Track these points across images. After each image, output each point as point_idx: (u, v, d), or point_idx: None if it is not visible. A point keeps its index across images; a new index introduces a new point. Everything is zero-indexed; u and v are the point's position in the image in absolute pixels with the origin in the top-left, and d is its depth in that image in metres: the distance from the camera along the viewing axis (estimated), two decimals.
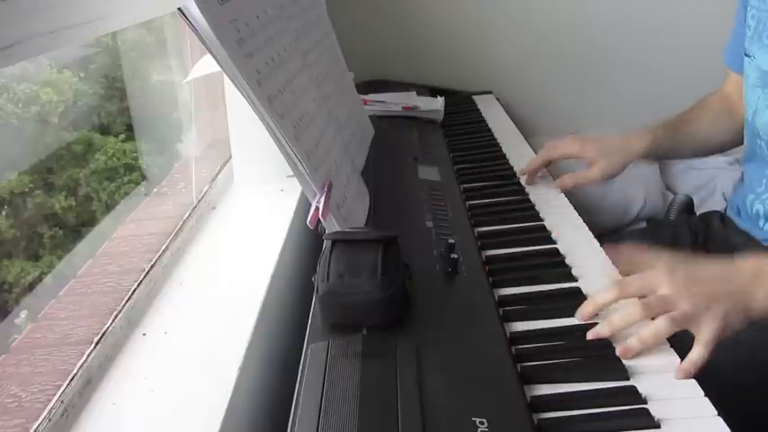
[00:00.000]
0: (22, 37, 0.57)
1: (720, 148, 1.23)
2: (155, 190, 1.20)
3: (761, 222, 1.04)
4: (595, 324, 0.73)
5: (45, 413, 0.62)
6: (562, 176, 1.11)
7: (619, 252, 0.84)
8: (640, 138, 1.12)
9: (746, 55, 1.06)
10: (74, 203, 1.34)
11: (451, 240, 0.81)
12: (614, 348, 0.69)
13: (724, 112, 1.18)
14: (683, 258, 0.78)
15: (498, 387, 0.62)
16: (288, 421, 0.56)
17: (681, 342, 0.71)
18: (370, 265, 0.65)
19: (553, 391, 0.64)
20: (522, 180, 1.15)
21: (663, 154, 1.17)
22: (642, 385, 0.64)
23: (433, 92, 1.61)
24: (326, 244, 0.68)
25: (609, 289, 0.75)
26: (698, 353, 0.68)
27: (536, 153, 1.28)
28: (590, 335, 0.72)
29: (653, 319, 0.71)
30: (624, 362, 0.67)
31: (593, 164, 1.11)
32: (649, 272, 0.75)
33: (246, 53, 0.71)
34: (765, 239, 1.03)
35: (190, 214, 1.03)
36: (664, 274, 0.74)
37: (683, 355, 0.68)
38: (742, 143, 1.18)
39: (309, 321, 0.69)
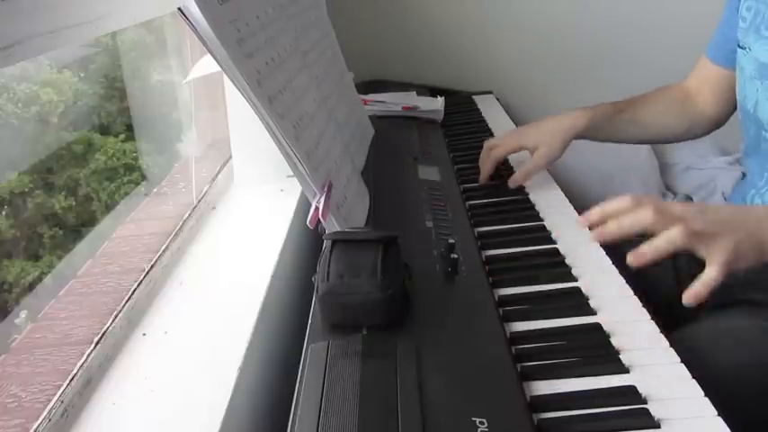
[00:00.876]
0: (22, 37, 0.57)
1: (671, 138, 1.22)
2: (155, 190, 1.20)
3: None
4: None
5: (45, 413, 0.63)
6: (512, 176, 1.11)
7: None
8: (577, 116, 1.11)
9: (740, 47, 1.05)
10: (74, 203, 1.34)
11: (451, 240, 0.81)
12: (614, 348, 0.70)
13: (679, 102, 1.18)
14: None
15: (498, 387, 0.62)
16: (288, 421, 0.56)
17: (684, 341, 0.71)
18: (370, 265, 0.65)
19: (553, 391, 0.64)
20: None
21: (603, 135, 1.16)
22: (642, 385, 0.64)
23: (433, 92, 1.61)
24: (326, 244, 0.68)
25: (620, 198, 0.72)
26: (710, 274, 0.67)
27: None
28: (594, 234, 0.70)
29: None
30: (624, 362, 0.67)
31: (535, 151, 1.11)
32: (660, 202, 0.73)
33: (246, 53, 0.71)
34: None
35: (190, 214, 1.03)
36: (677, 203, 0.72)
37: (698, 379, 0.66)
38: (689, 138, 1.19)
39: (309, 321, 0.69)
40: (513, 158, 1.25)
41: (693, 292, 0.67)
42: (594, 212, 0.73)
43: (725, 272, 0.68)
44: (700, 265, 1.00)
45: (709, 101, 1.16)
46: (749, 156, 1.10)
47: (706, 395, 0.63)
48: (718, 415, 0.60)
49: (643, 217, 0.69)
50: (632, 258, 0.68)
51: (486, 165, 1.14)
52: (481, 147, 1.35)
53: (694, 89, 1.19)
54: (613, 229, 0.71)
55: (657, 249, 0.68)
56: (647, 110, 1.17)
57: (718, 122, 1.17)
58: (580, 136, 1.11)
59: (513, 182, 1.11)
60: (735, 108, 1.11)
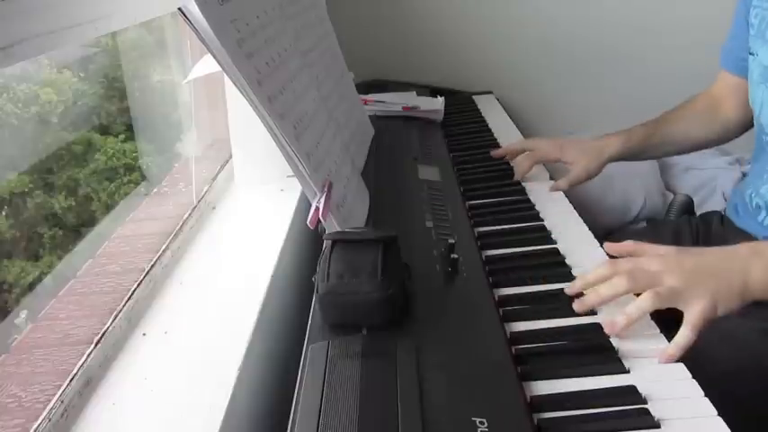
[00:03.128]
0: (22, 37, 0.57)
1: (702, 146, 1.26)
2: (155, 190, 1.20)
3: (761, 216, 1.04)
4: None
5: (45, 413, 0.62)
6: (557, 182, 1.15)
7: (620, 247, 0.84)
8: (615, 139, 1.17)
9: (750, 53, 1.07)
10: (74, 203, 1.34)
11: (451, 240, 0.81)
12: (614, 348, 0.70)
13: (707, 111, 1.21)
14: (681, 249, 0.79)
15: (498, 387, 0.62)
16: (288, 421, 0.56)
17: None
18: (370, 265, 0.65)
19: (553, 391, 0.64)
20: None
21: (639, 154, 1.21)
22: (642, 385, 0.64)
23: (433, 92, 1.61)
24: (326, 244, 0.68)
25: (599, 267, 0.76)
26: (683, 335, 0.68)
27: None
28: (576, 304, 0.74)
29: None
30: (624, 361, 0.67)
31: (573, 165, 1.16)
32: (640, 255, 0.77)
33: (246, 53, 0.71)
34: (765, 236, 1.03)
35: (190, 214, 1.03)
36: (656, 256, 0.75)
37: (698, 379, 0.66)
38: (724, 142, 1.23)
39: (309, 321, 0.69)
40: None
41: (666, 356, 0.68)
42: (577, 284, 0.77)
43: (700, 329, 0.69)
44: None
45: (733, 106, 1.18)
46: (755, 160, 1.10)
47: (706, 395, 0.63)
48: (718, 415, 0.60)
49: (618, 285, 0.72)
50: (607, 328, 0.71)
51: (525, 164, 1.18)
52: (481, 147, 1.36)
53: (718, 96, 1.21)
54: (593, 299, 0.74)
55: (630, 317, 0.70)
56: (678, 126, 1.21)
57: (746, 125, 1.19)
58: (615, 159, 1.17)
59: (554, 187, 1.14)
60: None
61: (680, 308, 0.71)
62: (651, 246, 0.79)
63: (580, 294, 0.77)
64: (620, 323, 0.70)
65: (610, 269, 0.75)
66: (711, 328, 0.88)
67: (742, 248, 0.76)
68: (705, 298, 0.70)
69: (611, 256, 0.83)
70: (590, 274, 0.77)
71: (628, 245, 0.81)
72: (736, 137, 1.23)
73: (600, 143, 1.17)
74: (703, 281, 0.71)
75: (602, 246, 0.91)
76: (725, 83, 1.19)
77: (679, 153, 1.30)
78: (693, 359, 0.68)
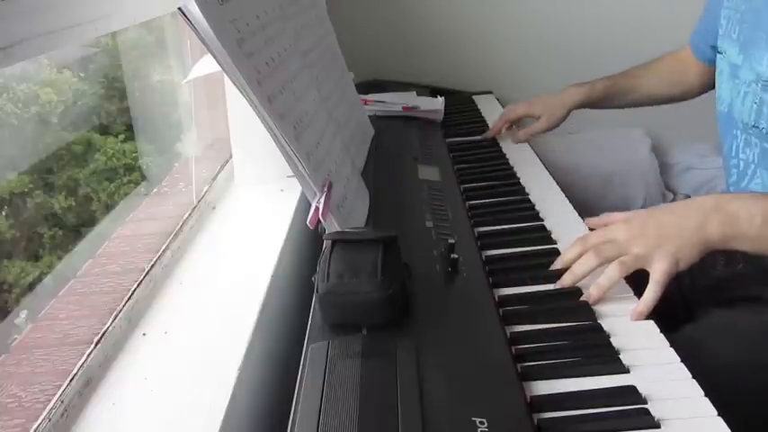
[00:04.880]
0: (22, 37, 0.57)
1: (662, 102, 1.36)
2: (155, 190, 1.20)
3: None
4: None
5: (45, 413, 0.62)
6: (516, 133, 1.35)
7: (597, 221, 0.90)
8: (577, 89, 1.33)
9: (719, 52, 1.11)
10: (74, 203, 1.34)
11: (451, 240, 0.81)
12: (614, 348, 0.70)
13: (672, 71, 1.32)
14: (646, 211, 0.85)
15: (498, 387, 0.62)
16: (288, 421, 0.56)
17: (686, 342, 0.71)
18: (370, 265, 0.65)
19: (553, 391, 0.64)
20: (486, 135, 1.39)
21: (600, 103, 1.34)
22: (642, 385, 0.64)
23: (433, 92, 1.61)
24: (326, 244, 0.68)
25: (573, 245, 0.83)
26: (650, 291, 0.75)
27: (535, 152, 1.29)
28: (557, 284, 0.81)
29: None
30: (624, 361, 0.67)
31: (539, 117, 1.34)
32: (610, 225, 0.84)
33: (246, 53, 0.71)
34: None
35: (190, 214, 1.03)
36: (621, 224, 0.82)
37: (698, 378, 0.66)
38: (683, 100, 1.33)
39: (309, 321, 0.69)
40: (512, 160, 1.26)
41: (636, 313, 0.75)
42: (557, 265, 0.84)
43: (663, 286, 0.76)
44: (699, 265, 1.00)
45: (698, 72, 1.27)
46: (726, 158, 1.12)
47: (706, 395, 0.63)
48: (719, 415, 0.60)
49: (588, 262, 0.80)
50: (590, 301, 0.78)
51: (497, 123, 1.39)
52: (481, 147, 1.36)
53: (686, 60, 1.29)
54: (569, 278, 0.81)
55: (601, 288, 0.78)
56: (643, 81, 1.34)
57: (708, 88, 1.26)
58: (580, 106, 1.33)
59: (515, 139, 1.35)
60: None
61: (646, 268, 0.78)
62: (620, 214, 0.86)
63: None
64: (593, 295, 0.77)
65: (580, 247, 0.82)
66: (711, 327, 0.89)
67: (707, 201, 0.81)
68: (667, 257, 0.77)
69: None
70: (565, 253, 0.84)
71: (602, 218, 0.88)
72: (695, 97, 1.32)
73: (563, 94, 1.33)
74: (664, 243, 0.77)
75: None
76: (691, 55, 1.28)
77: (640, 105, 1.39)
78: (694, 352, 0.68)
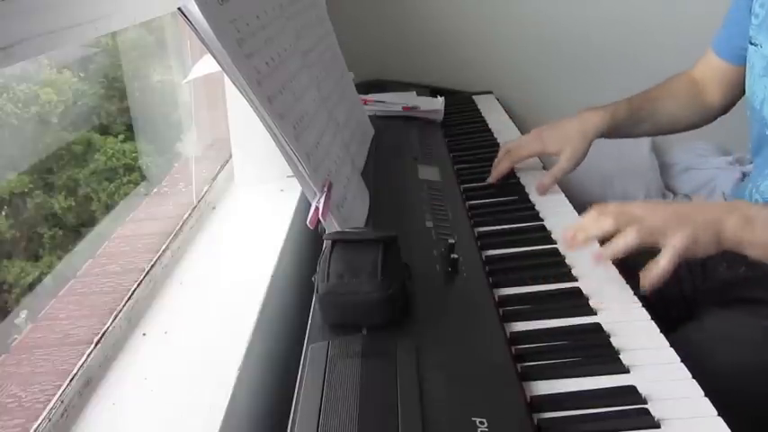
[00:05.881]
0: (22, 37, 0.57)
1: (682, 128, 1.25)
2: (155, 190, 1.20)
3: None
4: None
5: (45, 413, 0.62)
6: (539, 182, 1.11)
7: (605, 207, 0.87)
8: (598, 117, 1.12)
9: (752, 43, 1.05)
10: (74, 203, 1.34)
11: (451, 240, 0.81)
12: (614, 348, 0.70)
13: (689, 94, 1.20)
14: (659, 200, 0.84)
15: (498, 387, 0.62)
16: (288, 421, 0.56)
17: (684, 339, 0.71)
18: (370, 265, 0.65)
19: (553, 391, 0.64)
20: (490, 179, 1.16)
21: (621, 133, 1.19)
22: (642, 385, 0.64)
23: (433, 92, 1.61)
24: (326, 244, 0.68)
25: (589, 211, 0.83)
26: (664, 259, 0.75)
27: None
28: (566, 243, 0.82)
29: None
30: (624, 361, 0.67)
31: (559, 154, 1.12)
32: (627, 202, 0.83)
33: (246, 53, 0.71)
34: None
35: (190, 214, 1.03)
36: (640, 203, 0.84)
37: (698, 379, 0.66)
38: (702, 125, 1.22)
39: (309, 321, 0.69)
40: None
41: (648, 280, 0.75)
42: (569, 228, 0.84)
43: (678, 257, 0.75)
44: (701, 268, 1.00)
45: (715, 92, 1.18)
46: (755, 155, 1.10)
47: (706, 395, 0.63)
48: (719, 415, 0.60)
49: (604, 223, 0.79)
50: (593, 258, 0.79)
51: (502, 165, 1.14)
52: (481, 147, 1.36)
53: (701, 80, 1.20)
54: (581, 237, 0.81)
55: (614, 249, 0.77)
56: (660, 105, 1.19)
57: (725, 111, 1.20)
58: (600, 136, 1.13)
59: (541, 188, 1.11)
60: (739, 98, 1.13)
61: (661, 244, 0.76)
62: (631, 202, 0.86)
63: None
64: (605, 253, 0.78)
65: (597, 212, 0.81)
66: (711, 327, 0.89)
67: (718, 204, 0.83)
68: (686, 234, 0.75)
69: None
70: (582, 218, 0.83)
71: (613, 203, 0.85)
72: (711, 122, 1.22)
73: (582, 123, 1.12)
74: (683, 223, 0.77)
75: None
76: (709, 67, 1.18)
77: (660, 133, 1.29)
78: (693, 359, 0.68)
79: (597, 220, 0.80)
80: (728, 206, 0.80)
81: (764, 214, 0.79)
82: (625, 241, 0.76)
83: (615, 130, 1.15)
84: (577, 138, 1.11)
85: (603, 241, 0.81)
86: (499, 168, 1.14)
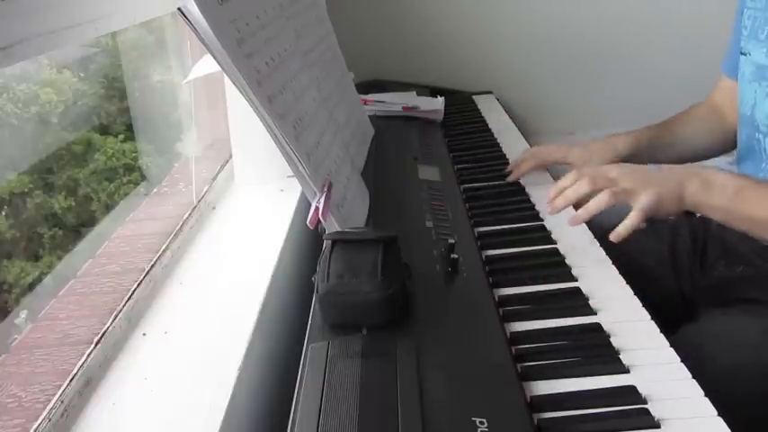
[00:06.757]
0: (22, 37, 0.57)
1: (705, 154, 1.25)
2: (155, 190, 1.20)
3: None
4: None
5: (45, 413, 0.62)
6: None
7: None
8: (622, 142, 1.16)
9: (742, 53, 1.07)
10: (74, 203, 1.34)
11: (451, 240, 0.81)
12: (614, 348, 0.70)
13: (710, 119, 1.21)
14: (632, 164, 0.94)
15: (498, 387, 0.62)
16: (288, 421, 0.56)
17: (686, 339, 0.71)
18: (370, 265, 0.65)
19: (553, 391, 0.64)
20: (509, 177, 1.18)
21: (643, 159, 1.16)
22: (642, 385, 0.64)
23: (433, 92, 1.61)
24: (326, 244, 0.68)
25: (567, 175, 0.91)
26: (632, 217, 0.84)
27: None
28: (548, 207, 0.92)
29: None
30: (624, 361, 0.67)
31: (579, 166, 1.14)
32: (603, 166, 0.94)
33: (246, 53, 0.71)
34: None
35: (190, 214, 1.03)
36: (614, 166, 0.92)
37: (698, 379, 0.66)
38: (727, 151, 1.21)
39: (309, 321, 0.69)
40: (512, 160, 1.26)
41: (616, 234, 0.84)
42: (551, 192, 0.92)
43: (645, 216, 0.84)
44: (699, 265, 1.01)
45: (733, 113, 1.16)
46: (744, 160, 1.10)
47: (706, 395, 0.63)
48: (719, 415, 0.60)
49: (580, 186, 0.88)
50: (570, 222, 0.88)
51: (525, 164, 1.17)
52: (481, 147, 1.36)
53: (720, 104, 1.20)
54: (560, 201, 0.90)
55: (588, 211, 0.86)
56: (682, 132, 1.21)
57: None
58: (622, 160, 1.14)
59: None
60: None
61: (631, 203, 0.85)
62: (607, 165, 0.96)
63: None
64: (581, 215, 0.87)
65: (575, 175, 0.90)
66: (711, 327, 0.89)
67: (690, 167, 0.93)
68: (652, 194, 0.85)
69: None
70: (560, 181, 0.92)
71: (588, 167, 0.95)
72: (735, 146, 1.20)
73: (609, 146, 1.16)
74: (651, 184, 0.86)
75: (601, 246, 0.92)
76: (724, 89, 1.19)
77: (684, 160, 1.26)
78: (693, 359, 0.68)
79: (574, 183, 0.89)
80: (692, 172, 0.88)
81: (722, 180, 0.86)
82: (598, 202, 0.85)
83: (638, 156, 1.16)
84: (600, 157, 1.15)
85: (578, 206, 0.90)
86: (521, 167, 1.17)
